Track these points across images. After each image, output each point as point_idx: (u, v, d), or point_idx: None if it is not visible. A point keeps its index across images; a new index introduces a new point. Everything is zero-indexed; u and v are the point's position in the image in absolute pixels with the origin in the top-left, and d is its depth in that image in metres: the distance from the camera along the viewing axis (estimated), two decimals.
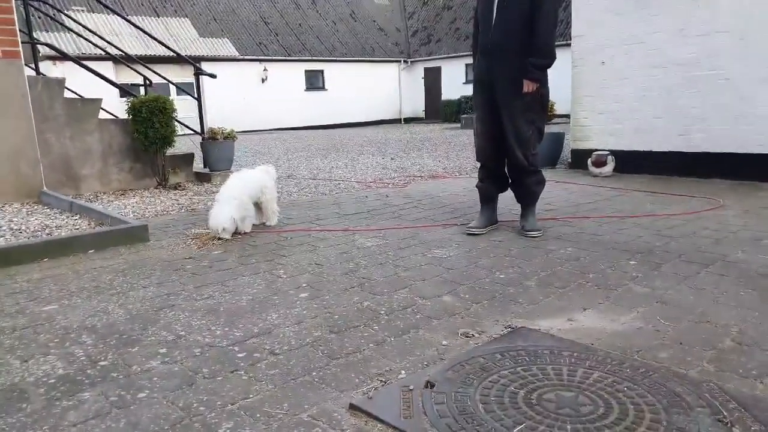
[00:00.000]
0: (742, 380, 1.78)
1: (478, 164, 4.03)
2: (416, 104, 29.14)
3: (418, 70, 29.00)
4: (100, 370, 2.01)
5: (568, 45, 6.65)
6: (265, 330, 2.35)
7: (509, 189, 3.95)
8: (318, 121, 25.18)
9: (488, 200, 3.93)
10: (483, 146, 3.85)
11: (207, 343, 2.24)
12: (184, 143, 8.66)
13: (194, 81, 8.31)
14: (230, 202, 3.90)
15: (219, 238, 3.87)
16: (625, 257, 3.14)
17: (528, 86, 3.52)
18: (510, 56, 3.54)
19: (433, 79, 28.25)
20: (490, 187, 3.93)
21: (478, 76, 3.80)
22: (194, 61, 9.03)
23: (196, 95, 8.58)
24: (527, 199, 3.84)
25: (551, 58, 3.51)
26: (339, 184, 6.71)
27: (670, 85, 5.87)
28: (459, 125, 20.39)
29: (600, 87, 6.43)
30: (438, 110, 26.64)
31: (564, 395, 1.72)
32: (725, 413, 1.59)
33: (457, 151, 10.35)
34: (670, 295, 2.55)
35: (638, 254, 3.19)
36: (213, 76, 8.41)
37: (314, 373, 1.96)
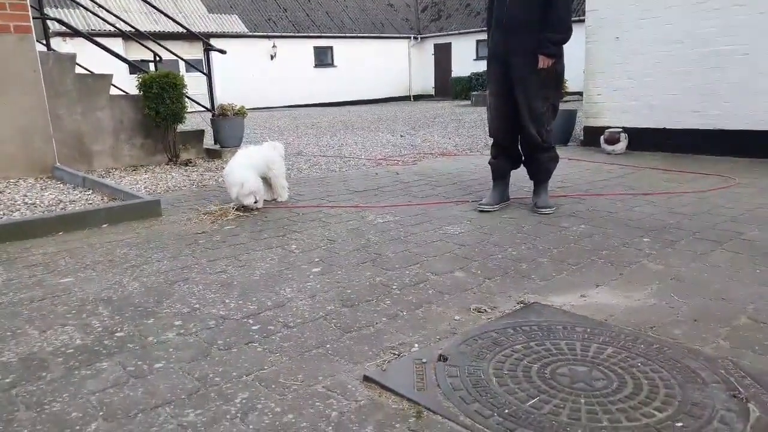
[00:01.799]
0: (758, 357, 1.78)
1: (490, 141, 3.99)
2: (426, 81, 28.85)
3: (428, 47, 28.64)
4: (117, 341, 2.04)
5: (582, 21, 6.53)
6: (278, 303, 2.36)
7: (522, 166, 3.93)
8: (327, 99, 25.04)
9: (501, 177, 3.91)
10: (496, 122, 3.81)
11: (221, 315, 2.26)
12: (195, 120, 8.68)
13: (204, 57, 8.22)
14: (245, 170, 3.91)
15: (239, 209, 3.91)
16: (639, 234, 3.12)
17: (544, 62, 3.46)
18: (526, 31, 3.48)
19: (443, 56, 27.91)
20: (502, 163, 3.90)
21: (493, 51, 3.75)
22: (205, 37, 8.97)
23: (206, 71, 8.55)
24: (540, 175, 3.81)
25: (567, 33, 3.45)
26: (349, 161, 6.69)
27: (685, 60, 5.76)
28: (469, 102, 20.22)
29: (614, 63, 6.33)
30: (448, 87, 26.36)
31: (578, 370, 1.72)
32: (741, 389, 1.59)
33: (467, 129, 10.27)
34: (684, 272, 2.54)
35: (652, 231, 3.17)
36: (223, 51, 8.36)
37: (328, 346, 1.97)
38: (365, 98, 26.30)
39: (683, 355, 1.79)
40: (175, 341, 2.03)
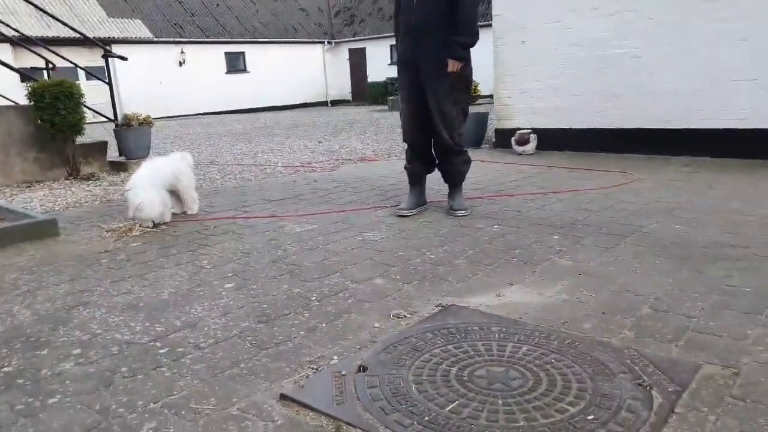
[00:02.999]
0: (660, 345, 1.87)
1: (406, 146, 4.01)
2: (343, 86, 28.85)
3: (343, 52, 28.67)
4: (4, 378, 1.85)
5: (490, 25, 6.73)
6: (188, 323, 2.24)
7: (437, 169, 3.97)
8: (241, 105, 24.48)
9: (416, 181, 3.93)
10: (409, 127, 3.83)
11: (126, 340, 2.11)
12: (98, 131, 8.20)
13: (104, 64, 7.78)
14: (147, 188, 3.70)
15: (140, 227, 3.68)
16: (549, 232, 3.23)
17: (453, 65, 3.51)
18: (434, 36, 3.51)
19: (358, 61, 28.01)
20: (417, 168, 3.93)
21: (403, 57, 3.77)
22: (103, 44, 8.50)
23: (107, 80, 8.09)
24: (454, 178, 3.87)
25: (475, 37, 3.52)
26: (265, 169, 6.54)
27: (586, 63, 6.07)
28: (386, 107, 20.38)
29: (521, 66, 6.57)
30: (365, 92, 26.42)
31: (495, 370, 1.74)
32: (645, 377, 1.65)
33: (385, 134, 10.34)
34: (591, 267, 2.64)
35: (561, 228, 3.29)
36: (123, 58, 7.95)
37: (242, 365, 1.88)
38: (281, 104, 25.95)
39: (593, 348, 1.85)
40: (72, 372, 1.87)
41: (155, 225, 3.73)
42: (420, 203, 3.91)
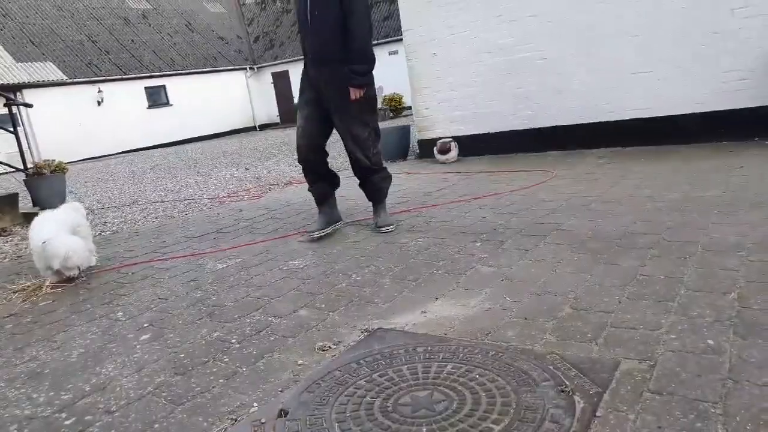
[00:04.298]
0: (579, 345, 1.87)
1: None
2: (270, 110, 28.64)
3: (266, 76, 28.50)
4: None
5: (401, 39, 6.81)
6: (98, 386, 2.08)
7: (360, 188, 3.93)
8: (166, 139, 23.83)
9: (323, 201, 3.88)
10: (304, 146, 3.74)
11: (26, 415, 1.93)
12: (8, 183, 7.74)
13: (9, 113, 7.36)
14: (66, 236, 3.47)
15: (50, 284, 3.44)
16: (471, 240, 3.24)
17: (354, 93, 3.48)
18: (332, 65, 3.48)
19: (282, 83, 27.90)
20: (320, 188, 3.87)
21: (307, 82, 3.72)
22: (14, 90, 8.08)
23: (11, 128, 7.65)
24: (376, 196, 3.85)
25: (371, 64, 3.51)
26: (189, 203, 6.32)
27: (496, 69, 6.22)
28: None
29: (436, 77, 6.66)
30: (292, 113, 26.32)
31: (419, 396, 1.69)
32: (567, 382, 1.65)
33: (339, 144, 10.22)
34: (513, 271, 2.65)
35: (483, 235, 3.31)
36: (28, 105, 7.60)
37: (156, 426, 1.76)
38: (208, 133, 25.43)
39: (516, 357, 1.83)
40: None
41: (80, 272, 3.49)
42: (332, 221, 3.85)
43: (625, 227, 3.07)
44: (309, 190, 3.94)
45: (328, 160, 3.90)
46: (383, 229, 3.69)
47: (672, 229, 2.92)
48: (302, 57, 3.78)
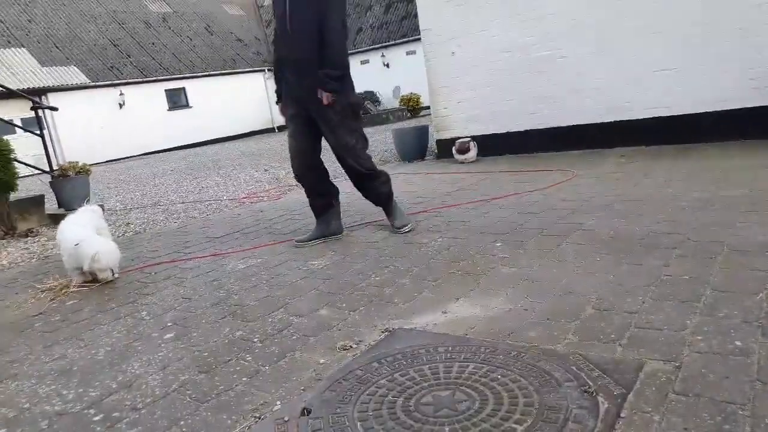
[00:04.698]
0: (603, 345, 1.86)
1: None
2: None
3: None
4: None
5: (419, 39, 6.81)
6: (125, 384, 2.12)
7: (365, 198, 3.94)
8: (186, 140, 24.09)
9: (320, 214, 3.87)
10: (297, 164, 3.77)
11: (57, 411, 1.97)
12: (35, 185, 7.90)
13: (36, 116, 7.52)
14: (96, 237, 3.54)
15: (76, 284, 3.50)
16: (491, 240, 3.23)
17: (326, 98, 3.47)
18: (313, 74, 3.47)
19: None
20: (317, 201, 3.87)
21: (287, 91, 3.70)
22: (39, 93, 8.27)
23: (38, 131, 7.81)
24: (379, 200, 3.84)
25: (345, 70, 3.50)
26: (210, 204, 6.39)
27: (515, 68, 6.19)
28: None
29: (454, 77, 6.65)
30: None
31: (441, 395, 1.69)
32: (590, 383, 1.64)
33: (331, 155, 10.26)
34: (534, 271, 2.64)
35: (503, 235, 3.30)
36: (54, 108, 7.73)
37: (182, 423, 1.78)
38: (227, 135, 25.65)
39: (539, 357, 1.83)
40: None
41: (113, 274, 3.54)
42: (325, 233, 3.82)
43: (648, 227, 3.04)
44: (309, 204, 3.92)
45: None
46: (401, 229, 3.70)
47: (697, 229, 2.88)
48: None
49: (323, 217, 3.86)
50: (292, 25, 3.49)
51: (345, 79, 3.54)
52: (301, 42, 3.47)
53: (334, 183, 3.95)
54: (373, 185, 3.78)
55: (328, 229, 3.85)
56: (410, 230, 3.68)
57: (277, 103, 3.83)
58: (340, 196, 3.94)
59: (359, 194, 3.96)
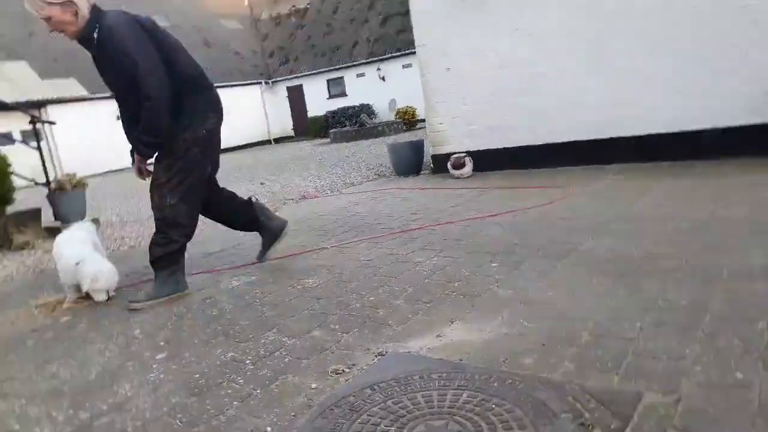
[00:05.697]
0: (600, 374, 1.83)
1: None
2: (284, 123, 28.95)
3: (281, 90, 28.86)
4: None
5: (415, 53, 6.83)
6: (116, 405, 2.09)
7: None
8: None
9: (253, 230, 4.00)
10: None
11: None
12: (33, 197, 7.86)
13: (35, 129, 7.51)
14: (97, 257, 3.52)
15: (70, 302, 3.47)
16: (488, 259, 3.20)
17: (136, 163, 3.45)
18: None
19: (297, 97, 28.26)
20: (244, 228, 4.02)
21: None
22: (39, 105, 8.25)
23: (36, 144, 7.78)
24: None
25: (158, 138, 3.29)
26: (204, 218, 6.34)
27: (511, 84, 6.19)
28: (328, 140, 20.40)
29: (449, 92, 6.65)
30: (306, 127, 26.71)
31: (434, 425, 1.66)
32: (587, 415, 1.61)
33: (327, 168, 10.28)
34: (530, 294, 2.61)
35: (499, 254, 3.26)
36: (52, 123, 7.72)
37: None
38: (223, 147, 25.48)
39: (534, 387, 1.80)
40: None
41: (108, 296, 3.50)
42: (272, 239, 3.95)
43: (646, 248, 3.01)
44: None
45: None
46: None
47: (696, 251, 2.85)
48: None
49: (259, 231, 3.94)
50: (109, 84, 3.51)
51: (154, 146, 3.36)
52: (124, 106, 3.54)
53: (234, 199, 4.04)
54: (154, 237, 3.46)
55: (272, 233, 3.92)
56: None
57: None
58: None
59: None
